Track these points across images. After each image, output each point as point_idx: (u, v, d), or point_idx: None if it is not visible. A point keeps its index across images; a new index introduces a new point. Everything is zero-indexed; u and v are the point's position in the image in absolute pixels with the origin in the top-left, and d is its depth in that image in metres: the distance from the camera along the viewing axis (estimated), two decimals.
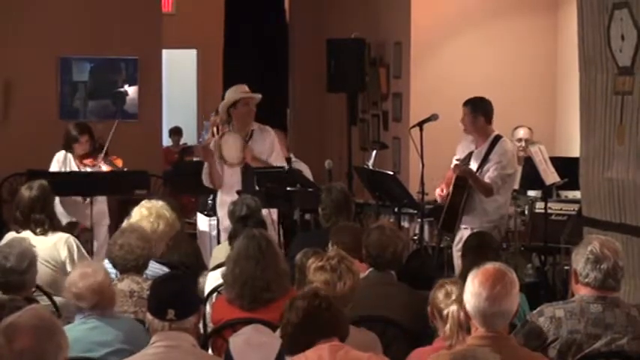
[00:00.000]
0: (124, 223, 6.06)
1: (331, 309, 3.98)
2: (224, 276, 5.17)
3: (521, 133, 8.96)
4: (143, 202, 6.21)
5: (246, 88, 8.15)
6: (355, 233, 5.82)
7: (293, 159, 9.28)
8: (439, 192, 7.84)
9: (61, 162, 8.59)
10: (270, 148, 8.08)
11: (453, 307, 4.24)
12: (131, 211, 6.20)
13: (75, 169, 8.54)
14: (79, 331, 4.47)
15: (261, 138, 8.08)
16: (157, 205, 6.17)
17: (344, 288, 4.58)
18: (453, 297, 4.27)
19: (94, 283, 4.51)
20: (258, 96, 8.09)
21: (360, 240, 5.54)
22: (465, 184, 7.62)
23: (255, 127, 8.09)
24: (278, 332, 4.24)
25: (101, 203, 8.44)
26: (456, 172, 7.64)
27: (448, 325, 4.25)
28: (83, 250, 6.50)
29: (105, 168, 8.44)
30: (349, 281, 4.75)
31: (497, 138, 7.72)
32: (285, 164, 8.21)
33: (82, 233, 8.16)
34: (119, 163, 8.59)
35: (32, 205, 6.36)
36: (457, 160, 7.71)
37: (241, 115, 8.02)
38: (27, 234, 6.27)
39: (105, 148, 8.55)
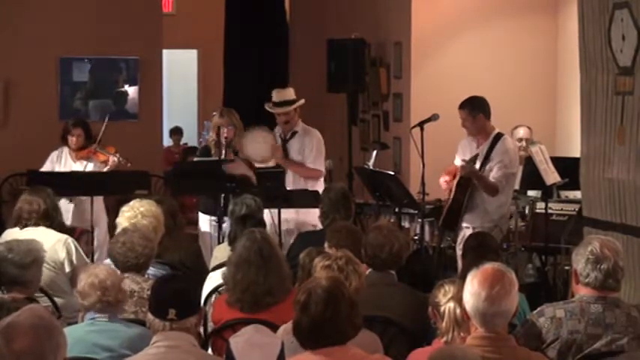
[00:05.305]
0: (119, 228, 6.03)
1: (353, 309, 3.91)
2: (225, 279, 5.14)
3: (521, 132, 8.94)
4: (123, 208, 6.14)
5: (279, 95, 8.47)
6: (352, 234, 5.78)
7: None
8: (443, 181, 7.79)
9: (55, 160, 8.72)
10: (310, 151, 8.36)
11: (450, 305, 4.25)
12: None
13: (70, 162, 8.66)
14: (83, 331, 4.47)
15: (300, 140, 8.42)
16: (138, 205, 6.13)
17: (349, 289, 4.56)
18: (450, 295, 4.28)
19: (101, 282, 4.51)
20: (280, 110, 8.41)
21: (357, 241, 5.52)
22: (468, 183, 7.62)
23: (298, 129, 8.47)
24: (279, 332, 4.24)
25: (95, 203, 8.43)
26: (462, 172, 7.62)
27: (444, 322, 4.26)
28: (82, 252, 6.52)
29: (99, 158, 8.59)
30: (355, 282, 4.74)
31: (499, 136, 7.71)
32: (323, 167, 8.48)
33: (82, 235, 8.18)
34: (111, 150, 8.70)
35: (30, 201, 6.49)
36: (463, 160, 7.68)
37: (279, 122, 8.52)
38: (28, 231, 6.34)
39: (98, 140, 8.72)
